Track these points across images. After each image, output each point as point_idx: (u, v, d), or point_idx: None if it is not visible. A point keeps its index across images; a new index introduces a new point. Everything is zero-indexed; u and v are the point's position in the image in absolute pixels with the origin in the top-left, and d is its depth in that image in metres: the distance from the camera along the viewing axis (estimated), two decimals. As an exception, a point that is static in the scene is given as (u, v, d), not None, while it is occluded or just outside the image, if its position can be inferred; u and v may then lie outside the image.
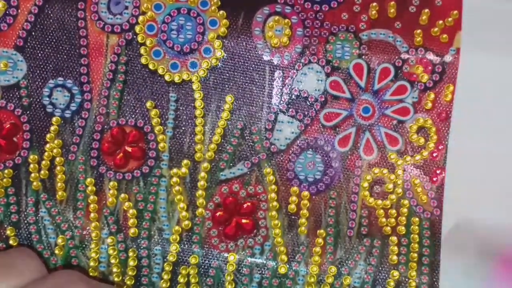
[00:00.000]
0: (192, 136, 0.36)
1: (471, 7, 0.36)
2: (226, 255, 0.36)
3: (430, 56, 0.36)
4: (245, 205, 0.36)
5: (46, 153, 0.35)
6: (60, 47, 0.35)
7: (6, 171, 0.35)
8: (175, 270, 0.36)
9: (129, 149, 0.36)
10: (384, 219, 0.36)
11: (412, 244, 0.36)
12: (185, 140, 0.36)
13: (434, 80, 0.36)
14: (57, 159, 0.36)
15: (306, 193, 0.36)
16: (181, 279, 0.36)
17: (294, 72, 0.36)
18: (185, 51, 0.36)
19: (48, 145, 0.35)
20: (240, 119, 0.36)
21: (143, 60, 0.36)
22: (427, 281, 0.36)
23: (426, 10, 0.36)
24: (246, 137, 0.36)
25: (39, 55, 0.35)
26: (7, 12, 0.35)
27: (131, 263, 0.36)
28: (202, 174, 0.36)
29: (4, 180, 0.35)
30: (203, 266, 0.36)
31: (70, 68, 0.35)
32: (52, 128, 0.35)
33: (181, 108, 0.36)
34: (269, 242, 0.36)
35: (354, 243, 0.36)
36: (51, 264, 0.36)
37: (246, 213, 0.36)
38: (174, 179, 0.36)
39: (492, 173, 0.36)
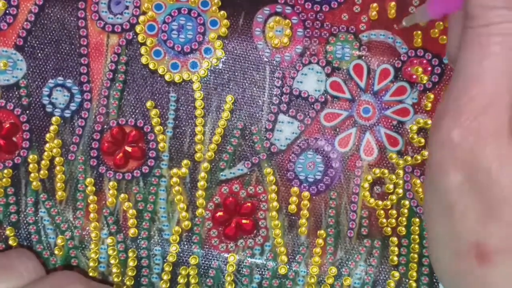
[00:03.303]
0: (192, 136, 0.36)
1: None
2: (226, 255, 0.36)
3: (430, 57, 0.36)
4: (245, 206, 0.36)
5: (45, 153, 0.35)
6: (60, 47, 0.35)
7: (5, 171, 0.35)
8: (175, 270, 0.36)
9: (129, 149, 0.36)
10: (384, 220, 0.36)
11: (413, 244, 0.36)
12: (185, 140, 0.36)
13: (433, 81, 0.36)
14: (57, 159, 0.35)
15: (306, 193, 0.36)
16: (181, 280, 0.36)
17: (295, 73, 0.36)
18: (185, 51, 0.36)
19: (47, 145, 0.35)
20: (241, 119, 0.36)
21: (143, 60, 0.35)
22: (428, 281, 0.36)
23: (426, 11, 0.36)
24: (246, 137, 0.36)
25: (39, 54, 0.35)
26: (7, 11, 0.35)
27: (131, 263, 0.36)
28: (202, 174, 0.36)
29: (4, 180, 0.35)
30: (203, 267, 0.36)
31: (70, 68, 0.35)
32: (51, 127, 0.35)
33: (181, 108, 0.36)
34: (269, 243, 0.36)
35: (355, 243, 0.36)
36: (51, 264, 0.35)
37: (246, 214, 0.36)
38: (174, 179, 0.36)
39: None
